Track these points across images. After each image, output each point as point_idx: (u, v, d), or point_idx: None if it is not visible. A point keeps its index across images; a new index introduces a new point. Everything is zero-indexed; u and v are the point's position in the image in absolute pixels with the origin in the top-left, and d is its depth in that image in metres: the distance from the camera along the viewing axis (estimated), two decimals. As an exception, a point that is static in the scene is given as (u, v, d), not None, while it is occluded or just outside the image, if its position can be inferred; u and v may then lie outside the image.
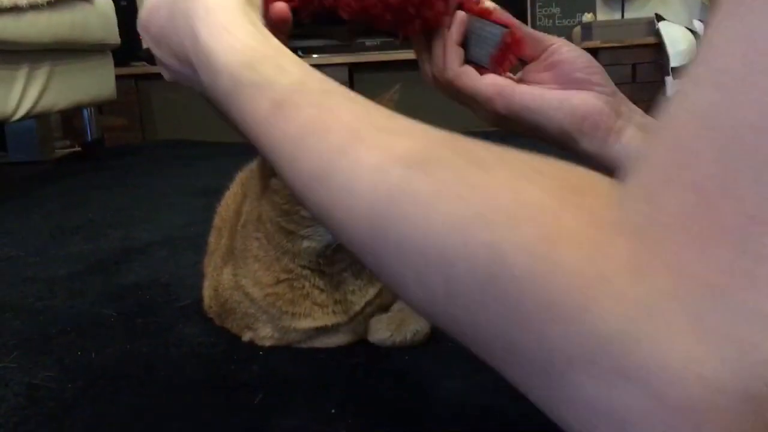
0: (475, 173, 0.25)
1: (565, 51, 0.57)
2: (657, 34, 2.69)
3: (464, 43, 0.56)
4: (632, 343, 0.19)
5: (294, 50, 0.53)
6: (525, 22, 2.88)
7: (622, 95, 0.57)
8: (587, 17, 2.85)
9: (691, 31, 2.68)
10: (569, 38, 2.89)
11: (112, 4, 2.13)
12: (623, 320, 0.20)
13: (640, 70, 2.70)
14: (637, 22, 2.78)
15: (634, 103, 0.57)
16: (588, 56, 0.57)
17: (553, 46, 0.57)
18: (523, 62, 0.59)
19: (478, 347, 0.24)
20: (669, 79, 2.62)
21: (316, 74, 0.37)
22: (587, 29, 2.73)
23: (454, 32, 0.55)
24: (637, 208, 0.21)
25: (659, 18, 2.74)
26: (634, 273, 0.20)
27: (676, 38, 2.63)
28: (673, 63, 2.61)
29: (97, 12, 2.04)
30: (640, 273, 0.20)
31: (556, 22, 2.85)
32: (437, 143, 0.28)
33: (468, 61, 0.56)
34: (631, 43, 2.68)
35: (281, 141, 0.33)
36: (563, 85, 0.56)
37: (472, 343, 0.24)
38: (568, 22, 2.85)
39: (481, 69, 0.56)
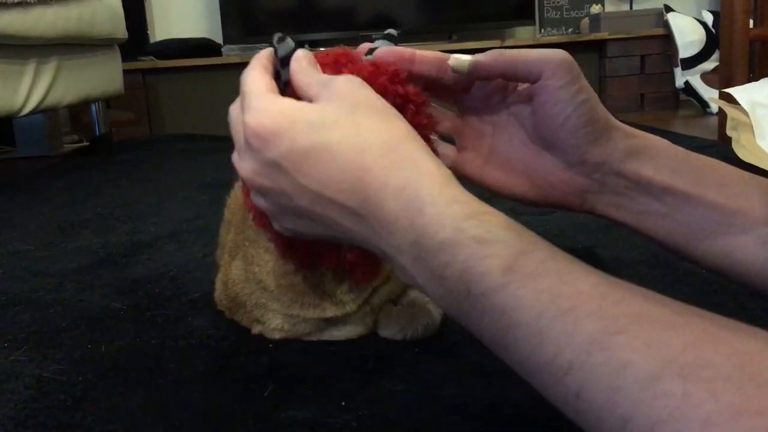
0: None
1: (551, 101, 0.47)
2: (666, 25, 2.68)
3: None
4: None
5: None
6: (532, 13, 2.87)
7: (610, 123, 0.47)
8: (595, 8, 2.83)
9: (701, 22, 2.66)
10: (577, 30, 2.88)
11: (119, -1, 2.13)
12: None
13: (649, 62, 2.68)
14: (645, 13, 2.76)
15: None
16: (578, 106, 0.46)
17: (539, 82, 0.47)
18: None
19: None
20: (678, 71, 2.61)
21: (540, 241, 0.35)
22: (595, 21, 2.71)
23: None
24: None
25: (668, 9, 2.72)
26: None
27: (685, 29, 2.61)
28: (682, 54, 2.59)
29: (105, 6, 2.04)
30: None
31: (564, 13, 2.83)
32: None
33: None
34: (639, 35, 2.67)
35: (516, 309, 0.31)
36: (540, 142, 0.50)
37: None
38: (576, 13, 2.83)
39: None
